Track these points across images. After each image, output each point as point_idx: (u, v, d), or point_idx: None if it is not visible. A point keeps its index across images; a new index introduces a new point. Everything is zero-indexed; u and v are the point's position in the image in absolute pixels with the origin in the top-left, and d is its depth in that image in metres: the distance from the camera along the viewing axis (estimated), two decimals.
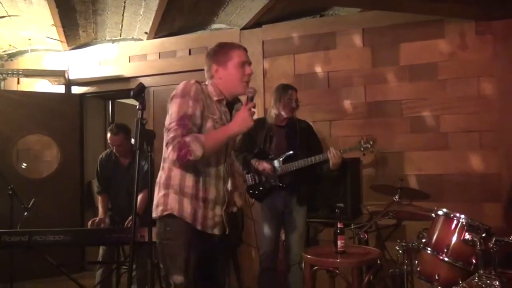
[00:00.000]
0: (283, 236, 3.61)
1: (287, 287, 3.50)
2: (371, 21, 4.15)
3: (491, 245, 2.31)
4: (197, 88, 1.98)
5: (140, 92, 1.80)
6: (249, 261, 4.39)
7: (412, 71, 3.99)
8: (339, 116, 4.21)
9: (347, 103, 4.20)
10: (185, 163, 1.89)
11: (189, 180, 1.97)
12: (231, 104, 2.16)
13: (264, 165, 3.32)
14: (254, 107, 2.01)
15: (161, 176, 2.04)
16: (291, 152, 3.38)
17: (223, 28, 4.84)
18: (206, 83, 2.10)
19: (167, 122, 1.95)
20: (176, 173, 1.97)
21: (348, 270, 2.76)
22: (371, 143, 3.27)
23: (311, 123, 3.70)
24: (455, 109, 3.83)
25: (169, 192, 1.97)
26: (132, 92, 1.82)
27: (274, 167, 3.34)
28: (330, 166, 3.24)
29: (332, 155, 3.19)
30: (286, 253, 3.54)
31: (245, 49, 2.14)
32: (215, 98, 2.05)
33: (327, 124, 4.23)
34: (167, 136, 1.92)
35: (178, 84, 2.06)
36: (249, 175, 3.49)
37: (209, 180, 2.02)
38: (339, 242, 2.69)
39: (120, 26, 4.94)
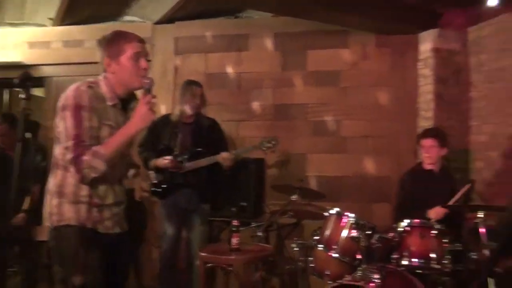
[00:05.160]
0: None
1: (189, 285, 3.49)
2: (282, 26, 4.29)
3: (374, 241, 2.51)
4: (90, 95, 1.86)
5: (25, 80, 1.69)
6: (150, 260, 4.31)
7: (318, 77, 4.19)
8: (247, 117, 4.29)
9: (255, 105, 4.29)
10: (91, 181, 1.83)
11: (85, 188, 1.88)
12: (127, 102, 2.02)
13: (164, 162, 3.29)
14: (152, 99, 1.87)
15: (53, 183, 1.90)
16: (199, 149, 3.38)
17: (136, 21, 4.71)
18: (100, 78, 1.98)
19: (62, 137, 1.82)
20: (70, 181, 1.86)
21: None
22: (274, 142, 3.35)
23: (218, 121, 3.72)
24: (354, 115, 4.09)
25: (62, 201, 1.87)
26: (17, 80, 1.69)
27: (177, 162, 3.31)
28: (223, 167, 3.31)
29: (222, 158, 3.25)
30: (187, 251, 3.53)
31: (141, 40, 1.98)
32: (109, 103, 1.95)
33: (236, 125, 4.29)
34: (64, 155, 1.80)
35: (85, 75, 1.94)
36: (153, 172, 3.43)
37: (105, 185, 1.93)
38: (233, 240, 2.74)
39: (22, 9, 4.60)
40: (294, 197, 3.12)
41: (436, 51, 3.94)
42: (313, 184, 4.06)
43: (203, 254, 2.74)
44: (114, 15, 4.70)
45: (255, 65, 4.33)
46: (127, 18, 4.73)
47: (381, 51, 4.16)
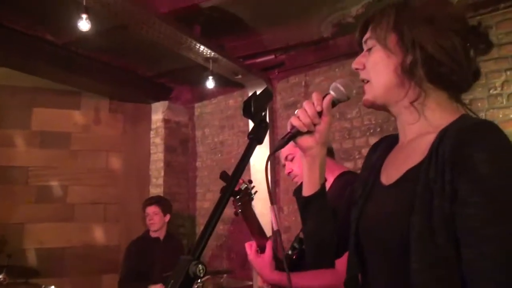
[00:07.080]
0: None
1: None
2: (1, 78, 3.79)
3: None
4: None
5: None
6: None
7: (44, 137, 3.83)
8: None
9: None
10: None
11: None
12: None
13: None
14: None
15: None
16: None
17: None
18: None
19: None
20: None
21: None
22: None
23: None
24: (84, 180, 3.87)
25: None
26: None
27: None
28: None
29: None
30: None
31: None
32: None
33: None
34: None
35: None
36: None
37: None
38: None
39: None
40: (1, 277, 2.64)
41: (166, 122, 4.21)
42: (31, 259, 3.56)
43: None
44: None
45: None
46: None
47: (115, 117, 4.16)
